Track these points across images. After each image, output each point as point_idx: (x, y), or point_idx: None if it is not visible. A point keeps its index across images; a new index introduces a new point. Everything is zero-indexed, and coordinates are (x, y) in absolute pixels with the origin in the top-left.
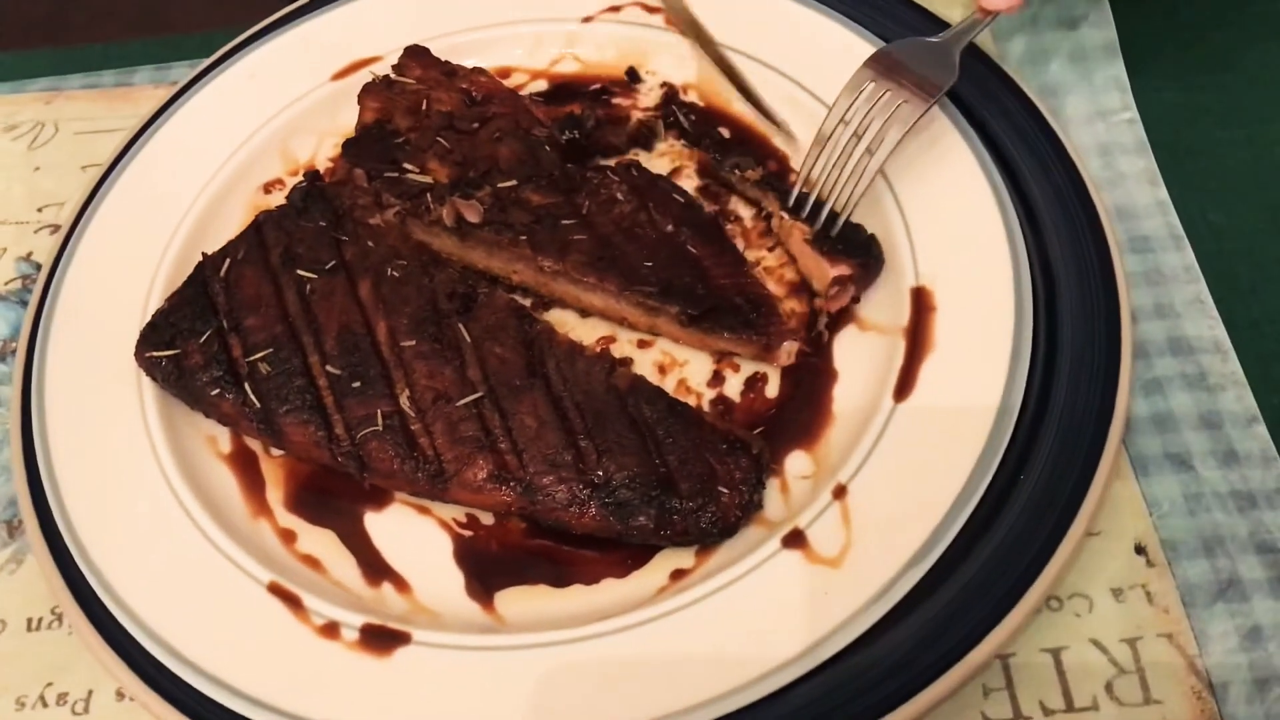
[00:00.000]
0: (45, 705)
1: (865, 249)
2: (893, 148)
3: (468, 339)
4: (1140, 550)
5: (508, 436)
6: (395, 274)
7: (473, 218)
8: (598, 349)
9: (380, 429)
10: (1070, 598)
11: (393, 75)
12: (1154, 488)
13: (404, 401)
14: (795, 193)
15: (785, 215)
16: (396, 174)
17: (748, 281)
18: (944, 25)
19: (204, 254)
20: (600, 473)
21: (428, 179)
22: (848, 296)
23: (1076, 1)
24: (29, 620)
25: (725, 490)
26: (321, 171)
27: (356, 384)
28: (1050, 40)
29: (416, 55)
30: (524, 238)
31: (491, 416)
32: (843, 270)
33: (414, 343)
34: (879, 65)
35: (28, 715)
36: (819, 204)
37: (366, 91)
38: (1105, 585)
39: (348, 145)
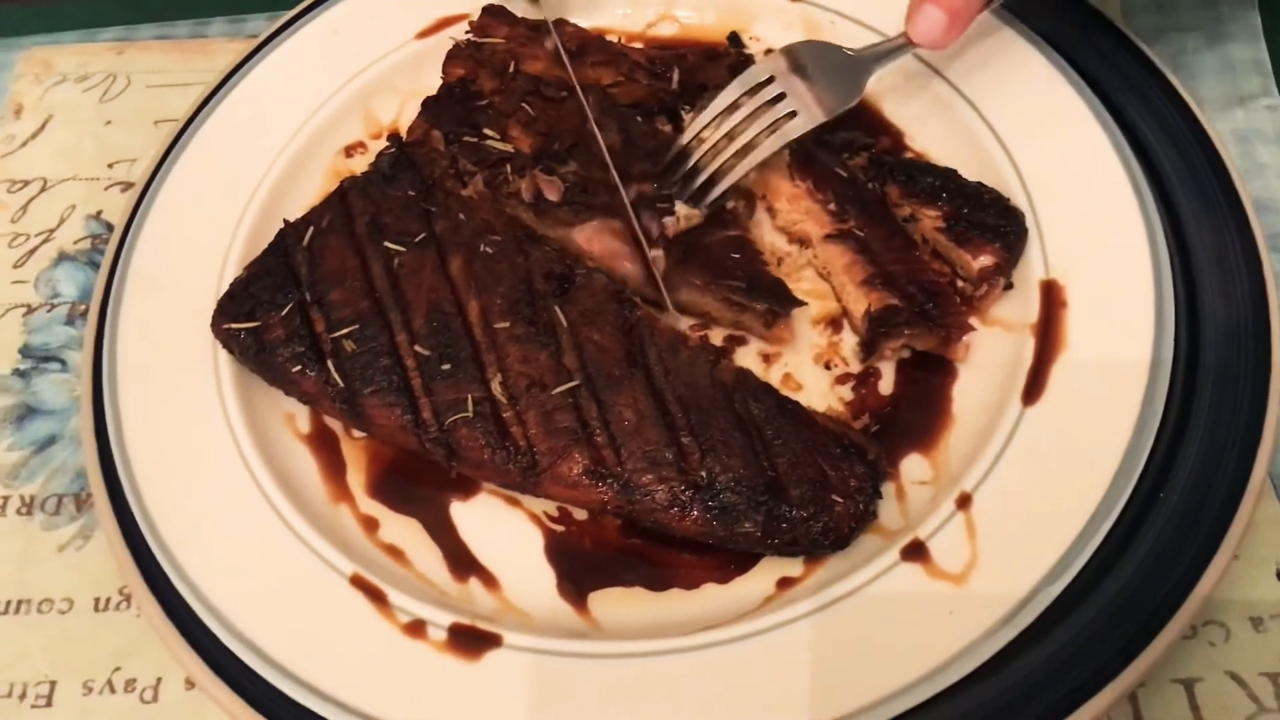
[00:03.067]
0: (113, 691)
1: (1003, 225)
2: (763, 158)
3: (564, 323)
4: None
5: (605, 430)
6: (488, 250)
7: (552, 195)
8: (698, 338)
9: (470, 415)
10: (1205, 625)
11: (475, 38)
12: None
13: (496, 387)
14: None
15: (915, 202)
16: (476, 139)
17: (919, 267)
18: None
19: (285, 220)
20: (704, 473)
21: (509, 147)
22: (1000, 287)
23: None
24: (96, 600)
25: (839, 499)
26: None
27: (446, 366)
28: (1186, 18)
29: (496, 14)
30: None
31: (588, 407)
32: (986, 260)
33: (508, 324)
34: (787, 60)
35: (95, 701)
36: (690, 173)
37: (451, 57)
38: (1243, 613)
39: (427, 104)
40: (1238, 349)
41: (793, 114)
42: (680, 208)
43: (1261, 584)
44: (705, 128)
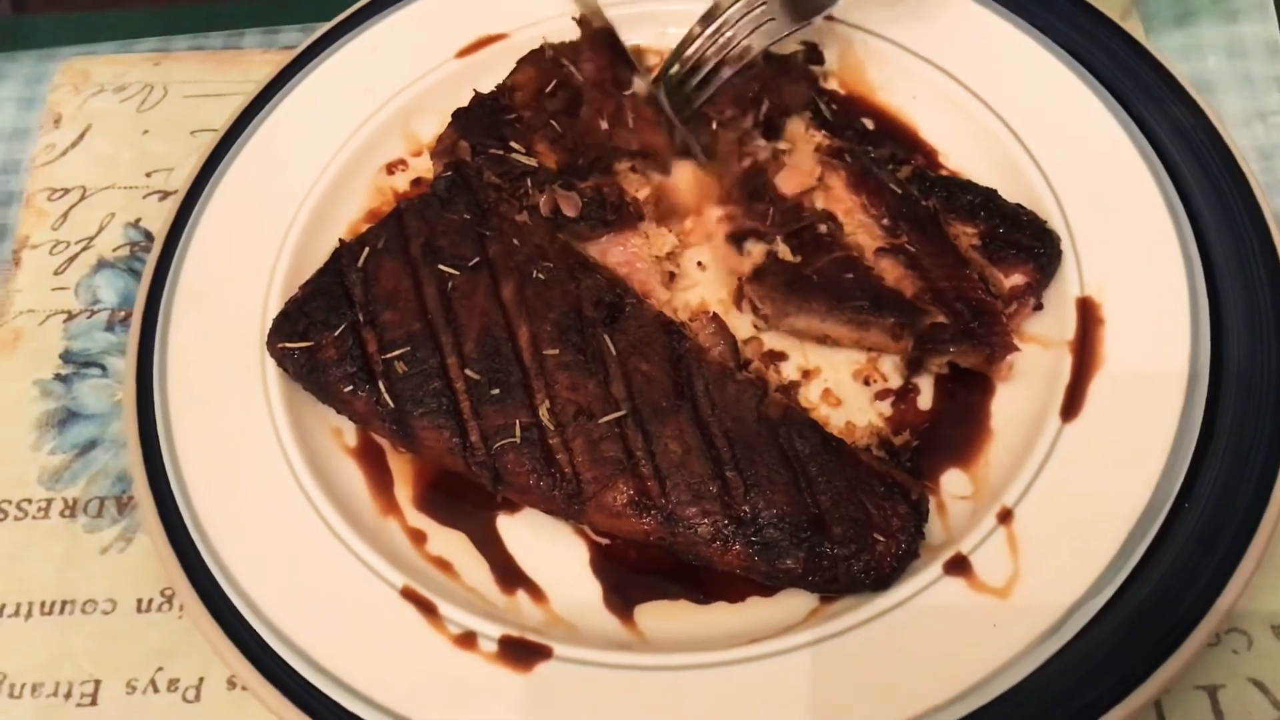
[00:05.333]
0: (156, 690)
1: (1038, 246)
2: (750, 57)
3: (613, 351)
4: None
5: (650, 461)
6: (540, 276)
7: (570, 211)
8: (751, 374)
9: (518, 441)
10: (1228, 633)
11: (561, 54)
12: None
13: (544, 413)
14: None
15: (952, 218)
16: (502, 152)
17: (968, 285)
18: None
19: (340, 240)
20: (747, 508)
21: (532, 162)
22: (1030, 307)
23: None
24: (139, 601)
25: (881, 537)
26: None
27: (495, 391)
28: (1207, 33)
29: (601, 42)
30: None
31: (635, 437)
32: (1018, 279)
33: (557, 351)
34: None
35: (139, 700)
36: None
37: (528, 60)
38: (1265, 621)
39: (457, 115)
40: (1261, 361)
41: (772, 19)
42: (779, 244)
43: None
44: (696, 37)
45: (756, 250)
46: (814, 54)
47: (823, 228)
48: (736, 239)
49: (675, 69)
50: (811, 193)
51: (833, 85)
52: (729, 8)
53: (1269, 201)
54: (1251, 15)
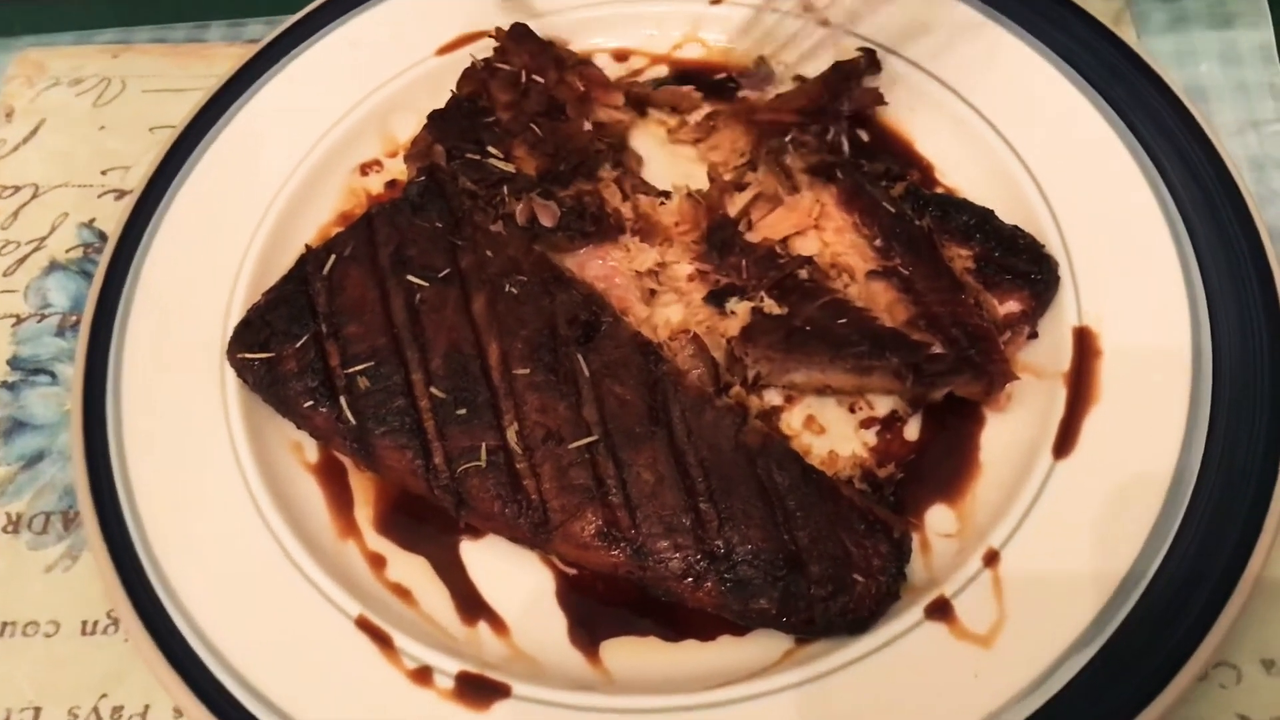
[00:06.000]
0: (99, 718)
1: (1035, 272)
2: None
3: (586, 373)
4: None
5: (621, 490)
6: (513, 290)
7: (547, 221)
8: (731, 399)
9: (483, 465)
10: (1216, 667)
11: (494, 61)
12: None
13: (511, 436)
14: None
15: (946, 239)
16: (478, 156)
17: (963, 310)
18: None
19: (307, 246)
20: (720, 543)
21: (510, 168)
22: (1024, 336)
23: None
24: (84, 623)
25: (860, 577)
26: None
27: (462, 411)
28: (1200, 38)
29: (520, 38)
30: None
31: (605, 465)
32: (1013, 306)
33: (527, 371)
34: None
35: None
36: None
37: (466, 78)
38: (1255, 655)
39: (433, 117)
40: (1253, 385)
41: None
42: (766, 301)
43: (1273, 626)
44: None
45: (740, 308)
46: (873, 61)
47: (803, 272)
48: (716, 298)
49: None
50: (788, 239)
51: None
52: None
53: (1262, 216)
54: (1246, 20)
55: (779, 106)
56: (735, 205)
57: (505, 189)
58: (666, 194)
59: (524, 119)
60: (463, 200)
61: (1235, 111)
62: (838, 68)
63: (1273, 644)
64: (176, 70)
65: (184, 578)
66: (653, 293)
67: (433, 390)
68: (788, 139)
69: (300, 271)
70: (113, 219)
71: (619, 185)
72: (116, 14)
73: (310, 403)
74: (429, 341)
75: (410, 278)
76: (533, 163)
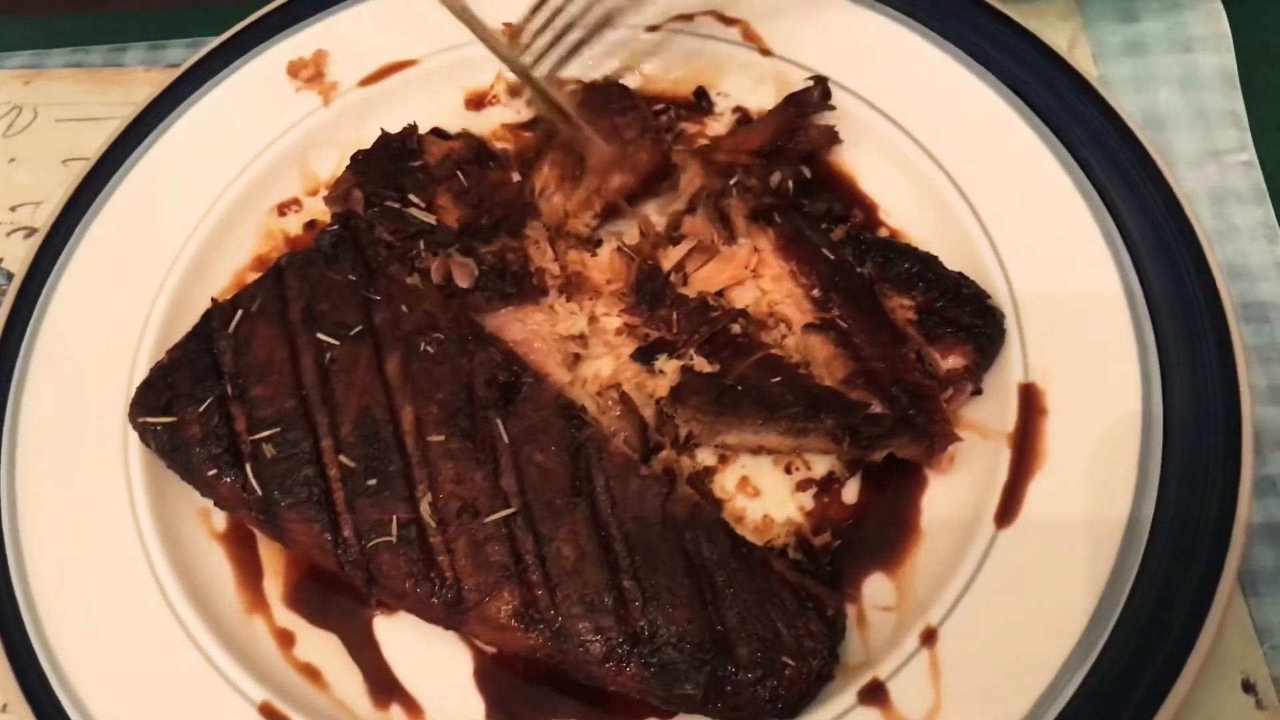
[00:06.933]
0: None
1: (979, 325)
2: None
3: (505, 439)
4: (1249, 688)
5: (540, 567)
6: (429, 349)
7: (463, 281)
8: (660, 463)
9: (394, 539)
10: None
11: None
12: (1266, 612)
13: (424, 509)
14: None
15: (888, 287)
16: (398, 205)
17: (904, 365)
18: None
19: (213, 299)
20: (644, 623)
21: (431, 219)
22: (967, 393)
23: (1191, 16)
24: None
25: (790, 660)
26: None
27: (372, 481)
28: (1159, 63)
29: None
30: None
31: (524, 539)
32: (956, 361)
33: (442, 438)
34: None
35: None
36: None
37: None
38: None
39: (356, 159)
40: (1206, 447)
41: None
42: (696, 358)
43: (1225, 696)
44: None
45: (669, 366)
46: (825, 91)
47: (735, 326)
48: (644, 355)
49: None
50: (727, 291)
51: None
52: None
53: (1216, 253)
54: (1206, 43)
55: (734, 147)
56: (669, 259)
57: (422, 242)
58: (598, 243)
59: (451, 165)
60: (378, 250)
61: (1195, 141)
62: (791, 99)
63: (1222, 716)
64: (92, 98)
65: (75, 660)
66: (577, 357)
67: (342, 458)
68: (732, 182)
69: (205, 328)
70: (19, 259)
71: (549, 242)
72: (30, 35)
73: (214, 471)
74: (339, 405)
75: (321, 335)
76: (455, 213)
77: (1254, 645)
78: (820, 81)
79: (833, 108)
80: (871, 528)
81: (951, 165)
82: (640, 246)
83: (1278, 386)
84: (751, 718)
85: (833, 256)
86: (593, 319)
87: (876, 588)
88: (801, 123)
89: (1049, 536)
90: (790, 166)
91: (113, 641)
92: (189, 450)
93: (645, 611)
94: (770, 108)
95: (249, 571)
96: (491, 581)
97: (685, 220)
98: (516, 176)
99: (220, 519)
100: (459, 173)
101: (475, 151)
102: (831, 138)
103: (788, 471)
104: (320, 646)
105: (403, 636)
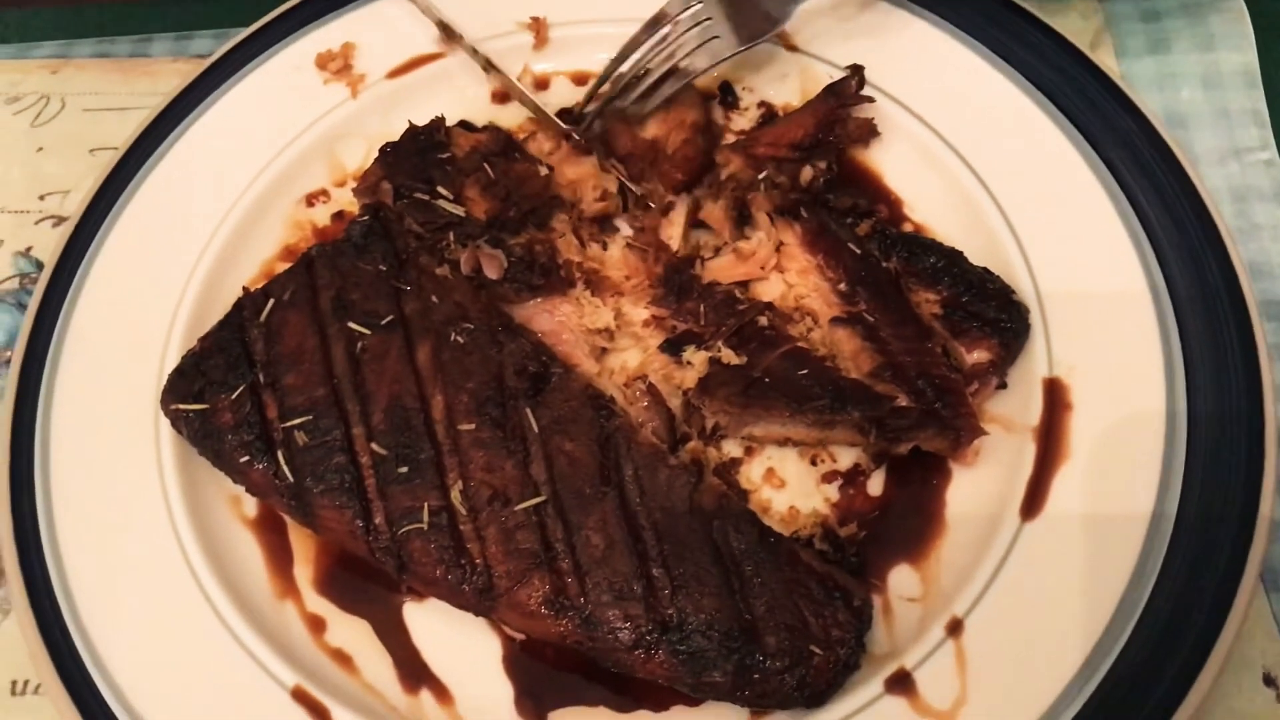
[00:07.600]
0: None
1: (1005, 319)
2: (693, 77)
3: (534, 428)
4: (1270, 682)
5: (570, 555)
6: (459, 339)
7: (492, 272)
8: (687, 454)
9: (425, 526)
10: None
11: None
12: None
13: (455, 496)
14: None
15: (914, 282)
16: (427, 196)
17: (929, 360)
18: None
19: (245, 289)
20: (673, 611)
21: (460, 211)
22: (992, 387)
23: (1212, 15)
24: (13, 683)
25: (818, 649)
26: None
27: (403, 469)
28: (1181, 62)
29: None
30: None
31: (554, 527)
32: (981, 355)
33: (473, 426)
34: None
35: None
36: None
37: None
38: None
39: (384, 150)
40: (1229, 440)
41: (716, 37)
42: (724, 350)
43: (1246, 692)
44: (634, 47)
45: (697, 358)
46: (861, 80)
47: (763, 319)
48: (672, 347)
49: (606, 87)
50: (751, 283)
51: None
52: (675, 16)
53: (1239, 251)
54: (1228, 42)
55: (774, 140)
56: (673, 237)
57: (452, 234)
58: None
59: (478, 157)
60: (408, 241)
61: (1217, 139)
62: (829, 90)
63: (1243, 711)
64: (119, 88)
65: (110, 642)
66: (604, 350)
67: (374, 446)
68: (761, 177)
69: (237, 317)
70: (49, 247)
71: (575, 234)
72: (58, 25)
73: (246, 458)
74: (370, 393)
75: (351, 324)
76: (484, 205)
77: (1275, 639)
78: (857, 71)
79: (870, 99)
80: (897, 520)
81: (976, 160)
82: (647, 239)
83: None
84: (779, 706)
85: (859, 251)
86: (619, 312)
87: (902, 579)
88: (841, 114)
89: (1073, 530)
90: (830, 158)
91: (146, 625)
92: (221, 437)
93: (674, 600)
94: (795, 103)
95: (280, 558)
96: (522, 569)
97: (706, 205)
98: (544, 169)
99: (251, 505)
100: (486, 165)
101: (502, 144)
102: (870, 130)
103: (813, 463)
104: (351, 632)
105: (432, 623)
